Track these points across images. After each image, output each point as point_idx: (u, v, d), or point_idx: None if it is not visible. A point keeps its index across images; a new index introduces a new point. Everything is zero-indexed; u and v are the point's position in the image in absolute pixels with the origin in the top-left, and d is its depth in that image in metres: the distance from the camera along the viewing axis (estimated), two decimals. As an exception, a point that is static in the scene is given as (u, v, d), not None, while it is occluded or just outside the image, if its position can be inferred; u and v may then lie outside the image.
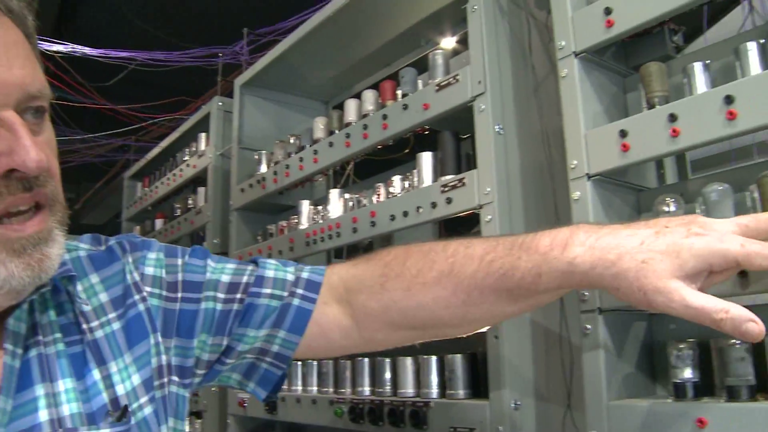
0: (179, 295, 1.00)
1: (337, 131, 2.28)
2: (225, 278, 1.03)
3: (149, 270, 1.01)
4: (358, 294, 1.03)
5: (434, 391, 1.78)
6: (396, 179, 2.00)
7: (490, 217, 1.61)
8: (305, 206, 2.43)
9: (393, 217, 1.90)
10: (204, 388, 2.23)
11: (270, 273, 1.06)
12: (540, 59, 1.77)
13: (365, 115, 2.15)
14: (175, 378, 0.97)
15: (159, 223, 3.77)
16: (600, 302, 1.37)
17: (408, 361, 1.86)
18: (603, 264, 0.84)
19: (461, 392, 1.71)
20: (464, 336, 1.10)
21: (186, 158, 3.47)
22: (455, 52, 2.16)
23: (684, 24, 1.64)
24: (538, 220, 1.68)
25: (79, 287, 0.94)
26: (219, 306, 1.01)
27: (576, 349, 1.52)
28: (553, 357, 1.63)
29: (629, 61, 1.63)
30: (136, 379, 0.91)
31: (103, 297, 0.95)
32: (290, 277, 1.06)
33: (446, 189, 1.73)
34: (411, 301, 0.99)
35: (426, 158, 1.88)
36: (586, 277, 0.86)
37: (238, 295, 1.02)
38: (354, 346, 1.08)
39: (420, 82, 2.04)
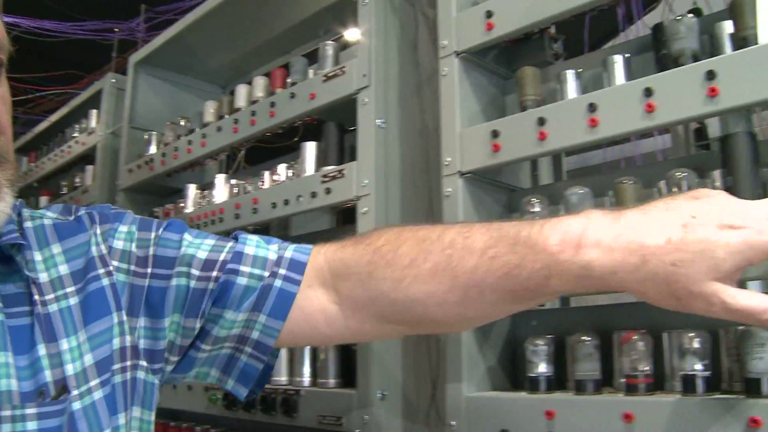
0: (149, 270, 0.92)
1: (227, 116, 2.26)
2: (201, 254, 0.94)
3: (118, 243, 0.92)
4: (344, 280, 0.94)
5: (306, 379, 1.79)
6: (281, 167, 2.01)
7: (366, 209, 1.63)
8: (191, 190, 2.41)
9: (274, 205, 1.90)
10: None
11: (250, 250, 0.96)
12: (427, 57, 1.80)
13: (255, 102, 2.14)
14: (143, 363, 0.88)
15: (44, 200, 3.63)
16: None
17: (282, 350, 1.86)
18: (625, 268, 0.75)
19: (332, 381, 1.73)
20: None
21: (75, 135, 3.35)
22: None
23: (565, 33, 1.71)
24: (415, 214, 1.71)
25: (38, 257, 0.87)
26: (192, 283, 0.92)
27: (442, 343, 1.55)
28: (421, 349, 1.66)
29: (511, 64, 1.69)
30: (89, 359, 0.83)
31: (63, 269, 0.87)
32: (272, 255, 0.96)
33: (326, 179, 1.74)
34: (401, 294, 0.89)
35: (309, 148, 1.89)
36: (604, 281, 0.77)
37: (214, 273, 0.92)
38: (339, 336, 0.99)
39: (311, 72, 2.04)
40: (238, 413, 1.93)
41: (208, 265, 0.93)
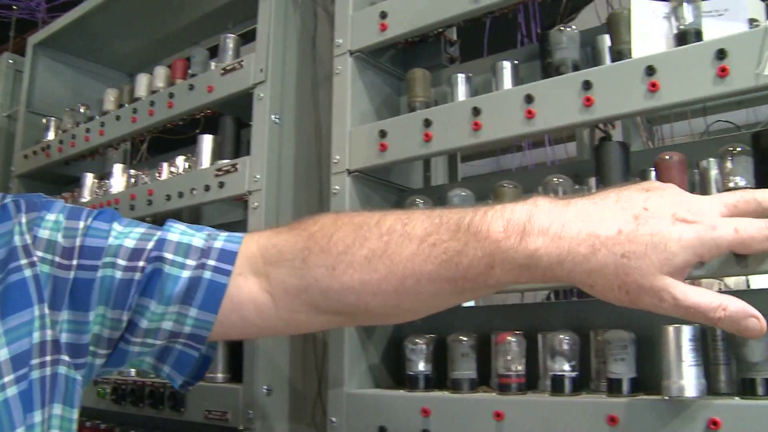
0: (74, 262, 0.86)
1: (127, 105, 2.21)
2: (128, 243, 0.88)
3: (44, 233, 0.86)
4: (277, 267, 0.89)
5: (195, 374, 1.77)
6: (179, 159, 1.98)
7: (257, 204, 1.62)
8: (88, 179, 2.35)
9: (169, 197, 1.87)
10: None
11: (174, 237, 0.90)
12: (326, 54, 1.80)
13: (155, 92, 2.10)
14: (65, 357, 0.83)
15: (-68, 184, 3.48)
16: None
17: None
18: (573, 259, 0.71)
19: (220, 376, 1.71)
20: None
21: (-31, 116, 3.22)
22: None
23: (465, 38, 1.74)
24: (307, 211, 1.71)
25: None
26: (119, 274, 0.86)
27: (327, 339, 1.56)
28: (309, 346, 1.66)
29: (407, 66, 1.70)
30: (4, 353, 0.77)
31: None
32: (198, 242, 0.91)
33: (220, 173, 1.73)
34: (335, 282, 0.85)
35: (206, 141, 1.87)
36: (550, 272, 0.73)
37: (140, 263, 0.87)
38: (271, 327, 0.94)
39: (213, 65, 2.01)
40: (127, 408, 1.89)
41: (134, 254, 0.88)
